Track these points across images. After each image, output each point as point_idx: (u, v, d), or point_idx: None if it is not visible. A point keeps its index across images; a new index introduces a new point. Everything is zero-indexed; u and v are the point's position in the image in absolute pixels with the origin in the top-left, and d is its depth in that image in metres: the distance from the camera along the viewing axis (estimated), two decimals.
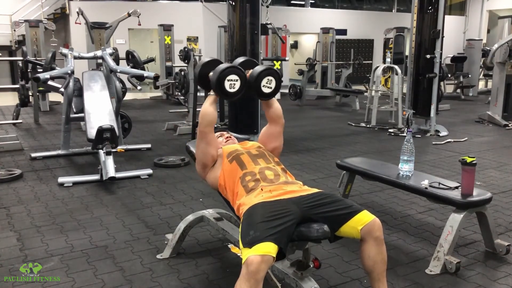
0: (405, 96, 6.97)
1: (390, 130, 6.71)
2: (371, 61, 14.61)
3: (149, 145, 5.46)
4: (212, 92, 2.26)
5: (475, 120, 7.65)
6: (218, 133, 2.57)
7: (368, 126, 7.12)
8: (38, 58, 7.71)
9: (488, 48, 10.02)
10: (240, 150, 2.26)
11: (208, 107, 2.23)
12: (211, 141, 2.27)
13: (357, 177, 3.30)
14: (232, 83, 2.14)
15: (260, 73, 2.18)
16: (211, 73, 2.22)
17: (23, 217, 3.23)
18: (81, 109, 4.94)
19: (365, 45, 15.87)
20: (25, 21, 9.16)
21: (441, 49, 6.16)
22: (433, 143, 5.91)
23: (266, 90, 2.22)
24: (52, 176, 4.26)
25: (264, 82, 2.19)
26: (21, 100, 6.63)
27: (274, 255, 1.67)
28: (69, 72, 4.82)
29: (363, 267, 1.96)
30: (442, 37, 6.16)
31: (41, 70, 5.70)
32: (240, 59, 2.41)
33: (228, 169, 2.19)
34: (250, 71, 2.25)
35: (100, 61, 5.69)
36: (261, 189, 2.02)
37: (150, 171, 4.32)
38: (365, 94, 8.94)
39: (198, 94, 5.60)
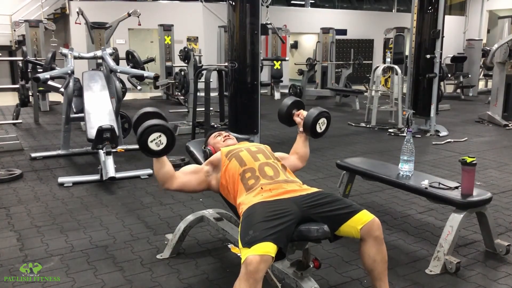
0: (405, 96, 6.97)
1: (390, 130, 6.71)
2: (371, 61, 14.61)
3: None
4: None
5: (475, 120, 7.65)
6: (216, 133, 2.57)
7: (368, 126, 7.12)
8: (38, 58, 7.71)
9: (488, 48, 10.03)
10: (239, 148, 2.26)
11: (155, 172, 2.15)
12: (182, 186, 2.21)
13: (357, 177, 3.30)
14: (158, 141, 2.02)
15: (320, 113, 2.39)
16: None
17: (23, 217, 3.23)
18: (81, 109, 4.94)
19: (365, 45, 15.87)
20: (25, 21, 9.16)
21: (441, 49, 6.16)
22: (433, 143, 5.91)
23: (318, 129, 2.42)
24: (52, 176, 4.26)
25: (320, 121, 2.41)
26: (21, 100, 6.62)
27: (273, 255, 1.67)
28: (69, 72, 4.82)
29: (364, 267, 1.96)
30: (442, 37, 6.17)
31: (41, 70, 5.71)
32: (290, 100, 2.55)
33: (228, 168, 2.18)
34: (302, 110, 2.50)
35: (100, 61, 5.69)
36: (261, 188, 2.02)
37: (150, 171, 4.32)
38: (365, 94, 8.94)
39: (198, 94, 5.60)
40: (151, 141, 2.01)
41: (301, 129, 2.47)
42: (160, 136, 2.02)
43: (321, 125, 2.42)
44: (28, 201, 3.59)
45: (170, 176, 2.16)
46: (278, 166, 2.18)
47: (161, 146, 2.04)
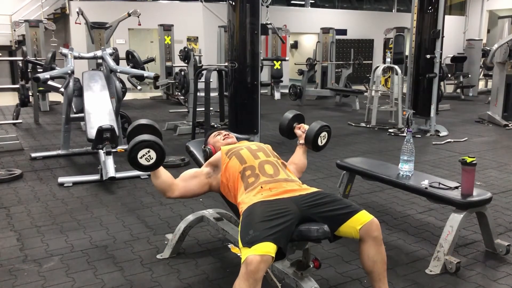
0: (405, 96, 6.97)
1: (390, 130, 6.71)
2: (371, 61, 14.61)
3: None
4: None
5: (475, 120, 7.65)
6: (216, 132, 2.57)
7: (368, 126, 7.12)
8: (38, 58, 7.72)
9: (488, 48, 10.03)
10: (239, 146, 2.27)
11: (154, 183, 2.16)
12: (184, 193, 2.22)
13: (357, 177, 3.30)
14: (147, 156, 2.03)
15: (321, 127, 2.47)
16: None
17: (23, 217, 3.23)
18: (81, 109, 4.94)
19: (365, 45, 15.86)
20: (25, 21, 9.16)
21: (441, 49, 6.16)
22: (433, 143, 5.91)
23: (319, 142, 2.49)
24: (52, 176, 4.26)
25: (321, 135, 2.48)
26: (21, 100, 6.63)
27: (273, 255, 1.67)
28: (69, 72, 4.82)
29: (363, 268, 1.96)
30: (442, 37, 6.16)
31: (41, 70, 5.71)
32: (290, 114, 2.63)
33: (228, 166, 2.18)
34: (303, 124, 2.59)
35: (100, 61, 5.69)
36: (261, 187, 2.02)
37: None
38: (365, 94, 8.93)
39: (198, 94, 5.60)
40: (141, 157, 2.02)
41: (301, 141, 2.54)
42: (149, 151, 2.03)
43: (322, 139, 2.49)
44: (28, 201, 3.59)
45: (169, 185, 2.17)
46: (278, 164, 2.18)
47: (151, 161, 2.05)
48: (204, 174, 2.27)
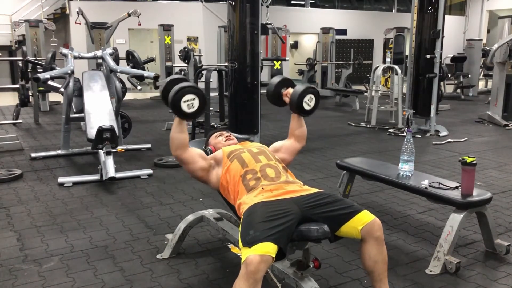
0: (405, 96, 6.97)
1: (390, 130, 6.71)
2: (371, 61, 14.61)
3: (149, 145, 5.46)
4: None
5: (475, 120, 7.65)
6: (217, 133, 2.57)
7: (368, 126, 7.12)
8: (38, 58, 7.72)
9: (488, 48, 10.02)
10: (241, 149, 2.26)
11: (173, 133, 2.18)
12: (189, 160, 2.23)
13: (357, 177, 3.30)
14: (190, 103, 2.05)
15: (305, 89, 2.31)
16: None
17: (23, 217, 3.23)
18: (81, 109, 4.94)
19: (365, 45, 15.87)
20: (25, 21, 9.16)
21: (441, 49, 6.16)
22: (433, 143, 5.91)
23: (306, 106, 2.34)
24: (52, 176, 4.26)
25: (306, 98, 2.32)
26: (21, 100, 6.63)
27: (274, 255, 1.67)
28: (69, 72, 4.82)
29: (364, 268, 1.96)
30: (442, 37, 6.17)
31: (41, 70, 5.70)
32: (277, 79, 2.47)
33: (229, 169, 2.18)
34: (290, 89, 2.40)
35: (100, 61, 5.69)
36: (262, 188, 2.02)
37: (150, 171, 4.32)
38: (365, 94, 8.93)
39: None
40: (184, 101, 2.03)
41: None
42: (194, 99, 2.05)
43: (308, 102, 2.34)
44: (28, 201, 3.59)
45: (185, 145, 2.19)
46: (279, 167, 2.18)
47: (192, 109, 2.06)
48: (208, 162, 2.29)
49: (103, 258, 2.62)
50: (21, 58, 7.05)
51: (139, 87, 5.00)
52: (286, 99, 2.44)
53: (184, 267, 2.51)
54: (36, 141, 5.88)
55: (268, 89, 2.48)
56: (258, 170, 2.11)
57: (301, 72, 10.48)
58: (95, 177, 4.10)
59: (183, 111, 2.06)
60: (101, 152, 4.14)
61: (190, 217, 2.68)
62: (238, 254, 2.58)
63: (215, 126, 5.12)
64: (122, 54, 6.81)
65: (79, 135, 6.11)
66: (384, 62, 7.81)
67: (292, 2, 16.20)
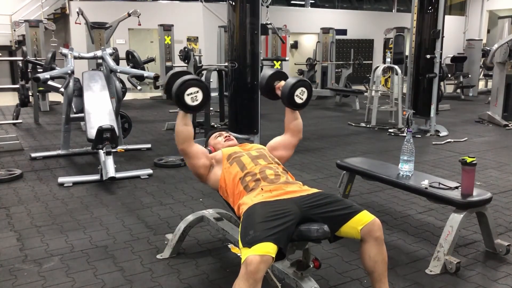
0: (405, 96, 6.97)
1: (390, 130, 6.71)
2: (371, 61, 14.61)
3: (149, 145, 5.46)
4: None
5: (475, 120, 7.65)
6: (217, 133, 2.57)
7: (368, 126, 7.12)
8: (38, 58, 7.72)
9: (488, 48, 10.02)
10: (240, 152, 2.26)
11: (178, 126, 2.19)
12: (193, 154, 2.25)
13: (357, 177, 3.30)
14: (194, 96, 2.05)
15: (296, 83, 2.25)
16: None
17: (23, 217, 3.23)
18: (81, 109, 4.94)
19: (365, 45, 15.87)
20: (25, 21, 9.16)
21: (441, 49, 6.16)
22: (433, 143, 5.91)
23: (298, 100, 2.29)
24: (52, 176, 4.26)
25: (297, 92, 2.27)
26: (21, 100, 6.63)
27: (274, 255, 1.67)
28: (69, 72, 4.82)
29: (364, 268, 1.96)
30: (442, 37, 6.16)
31: (41, 70, 5.70)
32: (269, 71, 2.43)
33: (228, 171, 2.19)
34: (282, 81, 2.35)
35: (100, 61, 5.69)
36: (261, 189, 2.02)
37: (150, 171, 4.32)
38: (365, 94, 8.94)
39: None
40: (188, 94, 2.03)
41: None
42: (197, 92, 2.05)
43: (300, 96, 2.29)
44: (28, 201, 3.59)
45: (191, 138, 2.20)
46: (279, 169, 2.18)
47: (196, 102, 2.06)
48: (209, 160, 2.30)
49: (103, 258, 2.62)
50: (21, 58, 7.06)
51: (139, 87, 5.00)
52: (279, 92, 2.39)
53: (184, 267, 2.51)
54: (36, 141, 5.88)
55: (260, 81, 2.44)
56: (258, 172, 2.11)
57: (301, 72, 10.48)
58: (95, 177, 4.10)
59: (187, 104, 2.06)
60: (101, 152, 4.13)
61: (190, 217, 2.68)
62: (238, 254, 2.58)
63: (215, 126, 5.12)
64: (122, 54, 6.81)
65: (79, 135, 6.11)
66: (384, 62, 7.81)
67: (292, 2, 16.21)
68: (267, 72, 2.43)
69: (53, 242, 2.82)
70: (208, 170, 2.30)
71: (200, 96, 2.07)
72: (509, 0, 16.34)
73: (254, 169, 2.13)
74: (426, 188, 2.62)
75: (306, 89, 2.31)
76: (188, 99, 2.04)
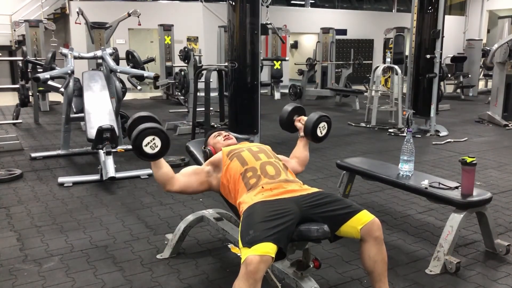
0: (405, 96, 6.97)
1: (390, 130, 6.71)
2: (371, 61, 14.61)
3: None
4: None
5: (475, 120, 7.65)
6: (216, 133, 2.56)
7: (368, 126, 7.12)
8: (38, 58, 7.71)
9: (488, 48, 10.02)
10: (241, 148, 2.26)
11: (155, 174, 2.16)
12: (183, 188, 2.21)
13: (357, 177, 3.30)
14: (152, 144, 2.01)
15: (320, 117, 2.44)
16: None
17: (23, 217, 3.23)
18: (81, 109, 4.94)
19: (365, 45, 15.87)
20: (25, 21, 9.16)
21: (441, 49, 6.16)
22: (433, 143, 5.91)
23: (319, 133, 2.47)
24: (52, 176, 4.26)
25: (320, 125, 2.46)
26: (21, 100, 6.63)
27: (273, 255, 1.67)
28: (69, 72, 4.82)
29: (364, 267, 1.96)
30: (442, 37, 6.16)
31: (41, 70, 5.71)
32: (290, 107, 2.61)
33: (229, 167, 2.18)
34: (303, 116, 2.56)
35: (100, 61, 5.69)
36: (262, 187, 2.02)
37: (150, 171, 4.31)
38: (365, 94, 8.93)
39: (198, 94, 5.60)
40: (146, 145, 2.01)
41: (302, 134, 2.53)
42: (154, 139, 2.02)
43: (321, 129, 2.47)
44: (28, 201, 3.59)
45: (170, 177, 2.16)
46: (279, 165, 2.18)
47: (156, 149, 2.03)
48: (205, 172, 2.27)
49: (103, 258, 2.62)
50: (21, 58, 7.05)
51: (139, 87, 5.00)
52: (298, 125, 2.56)
53: (184, 267, 2.51)
54: (36, 141, 5.88)
55: (281, 116, 2.62)
56: (258, 167, 2.11)
57: (301, 72, 10.47)
58: (95, 177, 4.10)
59: (149, 154, 2.03)
60: (101, 152, 4.14)
61: (190, 217, 2.68)
62: (238, 254, 2.58)
63: (215, 126, 5.12)
64: (122, 54, 6.82)
65: (79, 135, 6.11)
66: (384, 62, 7.81)
67: (292, 2, 16.20)
68: (287, 108, 2.61)
69: (53, 242, 2.82)
70: (207, 182, 2.27)
71: (158, 142, 2.03)
72: (509, 0, 16.34)
73: (255, 164, 2.12)
74: (426, 188, 2.62)
75: (327, 124, 2.50)
76: (148, 149, 2.01)
